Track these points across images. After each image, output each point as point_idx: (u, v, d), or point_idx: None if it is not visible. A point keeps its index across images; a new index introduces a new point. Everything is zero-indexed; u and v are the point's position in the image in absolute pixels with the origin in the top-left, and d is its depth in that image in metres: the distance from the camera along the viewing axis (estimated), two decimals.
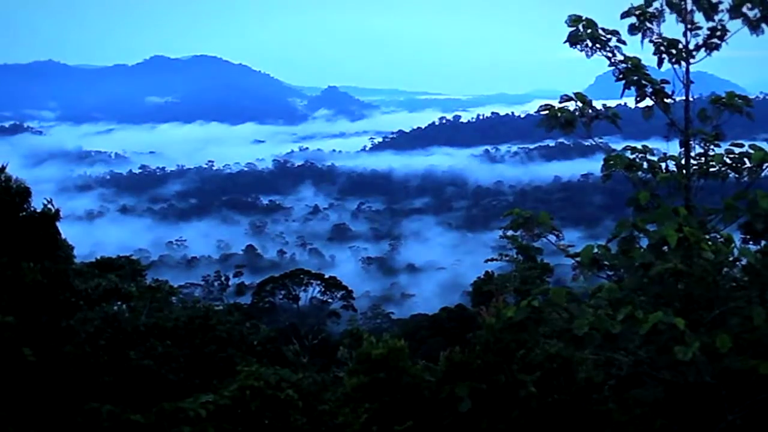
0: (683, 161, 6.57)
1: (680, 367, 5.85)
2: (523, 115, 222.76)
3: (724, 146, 6.54)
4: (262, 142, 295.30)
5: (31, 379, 9.02)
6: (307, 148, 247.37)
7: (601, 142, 6.68)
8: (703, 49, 6.52)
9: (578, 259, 6.31)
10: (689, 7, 6.39)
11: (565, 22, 6.36)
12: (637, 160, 6.52)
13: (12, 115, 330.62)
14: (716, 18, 6.40)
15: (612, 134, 6.62)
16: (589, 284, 6.85)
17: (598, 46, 6.41)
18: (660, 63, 6.51)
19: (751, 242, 6.85)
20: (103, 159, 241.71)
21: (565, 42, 6.35)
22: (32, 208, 11.20)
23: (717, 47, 6.51)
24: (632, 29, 6.45)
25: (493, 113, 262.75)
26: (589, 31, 6.35)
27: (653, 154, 6.59)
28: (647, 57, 6.52)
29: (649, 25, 6.40)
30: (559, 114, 6.48)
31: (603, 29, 6.46)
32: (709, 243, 5.91)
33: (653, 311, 5.71)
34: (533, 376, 7.97)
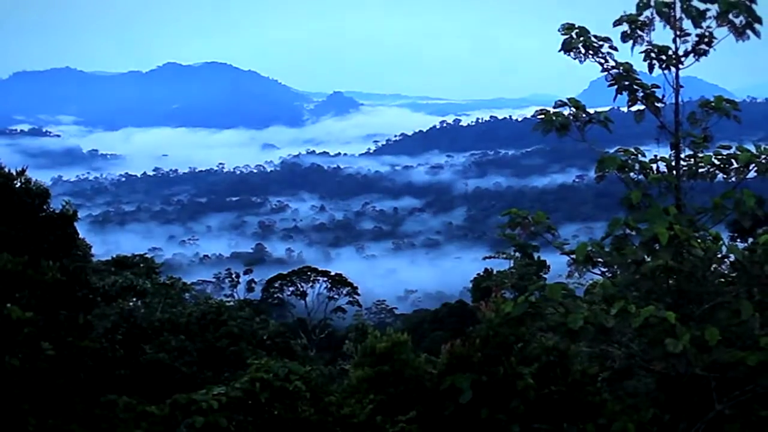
0: (673, 162, 6.67)
1: (671, 359, 5.96)
2: (520, 119, 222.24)
3: (713, 148, 6.65)
4: (271, 145, 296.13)
5: (50, 373, 9.31)
6: (313, 151, 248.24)
7: (595, 145, 6.86)
8: (691, 55, 6.63)
9: (573, 256, 6.39)
10: (678, 14, 6.56)
11: (558, 30, 6.60)
12: (630, 161, 6.59)
13: (31, 120, 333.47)
14: (704, 25, 6.51)
15: (605, 137, 6.83)
16: (584, 280, 7.09)
17: (590, 52, 6.61)
18: (651, 69, 6.69)
19: (738, 239, 7.05)
20: (118, 161, 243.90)
21: (559, 50, 6.59)
22: (51, 209, 11.59)
23: (705, 53, 6.62)
24: (624, 37, 6.62)
25: (492, 117, 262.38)
26: (581, 38, 6.58)
27: (645, 156, 6.68)
28: (638, 62, 6.74)
29: (640, 32, 6.61)
30: (554, 118, 6.72)
31: (595, 36, 6.63)
32: (699, 240, 6.02)
33: (645, 306, 5.84)
34: (531, 368, 8.14)
